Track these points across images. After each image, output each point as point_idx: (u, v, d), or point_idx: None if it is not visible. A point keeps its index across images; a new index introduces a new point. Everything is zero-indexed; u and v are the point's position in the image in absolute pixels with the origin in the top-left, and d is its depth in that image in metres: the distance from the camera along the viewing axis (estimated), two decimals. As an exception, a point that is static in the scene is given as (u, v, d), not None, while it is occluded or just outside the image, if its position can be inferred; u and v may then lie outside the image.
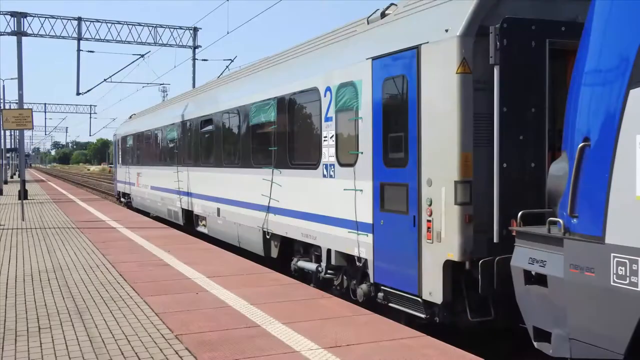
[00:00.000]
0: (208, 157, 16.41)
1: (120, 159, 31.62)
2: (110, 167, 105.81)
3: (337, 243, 9.62)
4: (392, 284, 8.25)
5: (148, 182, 23.97)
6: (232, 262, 11.71)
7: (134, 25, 36.25)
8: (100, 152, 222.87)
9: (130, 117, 32.42)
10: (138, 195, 26.07)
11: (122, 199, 31.14)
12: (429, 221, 7.49)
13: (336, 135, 9.66)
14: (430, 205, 7.46)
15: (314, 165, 10.32)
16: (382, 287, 8.54)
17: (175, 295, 8.85)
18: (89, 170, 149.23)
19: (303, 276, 11.16)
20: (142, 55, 35.15)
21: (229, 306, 8.19)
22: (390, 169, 8.25)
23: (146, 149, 24.67)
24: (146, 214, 24.42)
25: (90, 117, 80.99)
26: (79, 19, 34.53)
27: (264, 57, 14.30)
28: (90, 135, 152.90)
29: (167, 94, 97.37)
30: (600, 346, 5.07)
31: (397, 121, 8.09)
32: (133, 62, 35.40)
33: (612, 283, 4.89)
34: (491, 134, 7.06)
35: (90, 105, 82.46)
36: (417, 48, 7.67)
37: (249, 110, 13.23)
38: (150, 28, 36.58)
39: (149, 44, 36.52)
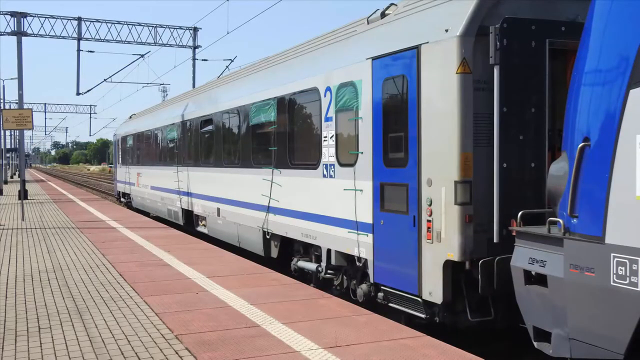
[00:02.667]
0: (208, 157, 16.40)
1: (120, 159, 31.62)
2: (110, 167, 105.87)
3: (337, 243, 9.62)
4: (392, 284, 8.25)
5: (148, 182, 23.97)
6: (232, 262, 11.71)
7: (134, 25, 36.27)
8: (100, 152, 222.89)
9: (130, 117, 32.42)
10: (138, 195, 26.07)
11: (122, 199, 31.14)
12: (429, 221, 7.49)
13: (336, 135, 9.66)
14: (430, 205, 7.46)
15: (314, 165, 10.32)
16: (382, 287, 8.54)
17: (175, 295, 8.85)
18: (89, 170, 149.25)
19: (303, 276, 11.16)
20: (142, 55, 35.15)
21: (229, 306, 8.19)
22: (390, 169, 8.25)
23: (146, 149, 24.67)
24: (146, 214, 24.42)
25: (90, 117, 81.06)
26: (79, 19, 34.54)
27: (264, 57, 14.30)
28: (90, 135, 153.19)
29: (167, 94, 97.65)
30: (600, 346, 5.07)
31: (397, 121, 8.09)
32: (133, 62, 35.44)
33: (612, 283, 4.89)
34: (491, 134, 7.06)
35: (90, 105, 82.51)
36: (417, 48, 7.67)
37: (249, 110, 13.23)
38: (150, 28, 36.60)
39: (149, 44, 36.54)
